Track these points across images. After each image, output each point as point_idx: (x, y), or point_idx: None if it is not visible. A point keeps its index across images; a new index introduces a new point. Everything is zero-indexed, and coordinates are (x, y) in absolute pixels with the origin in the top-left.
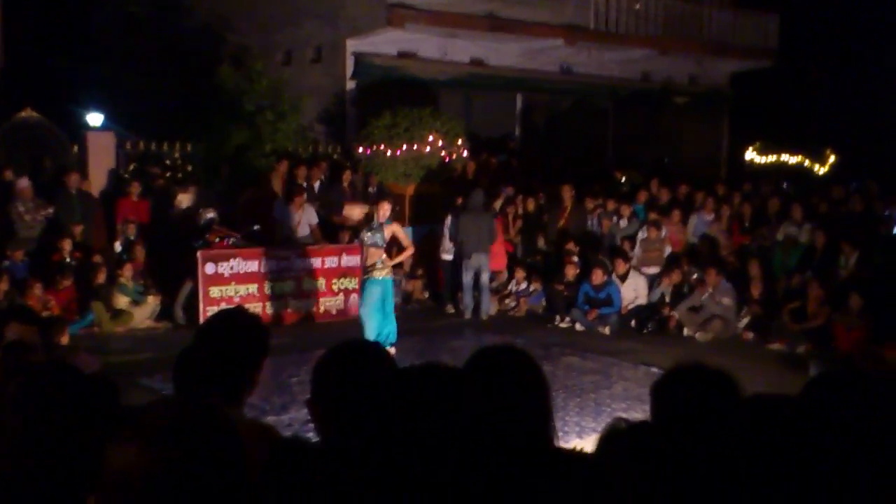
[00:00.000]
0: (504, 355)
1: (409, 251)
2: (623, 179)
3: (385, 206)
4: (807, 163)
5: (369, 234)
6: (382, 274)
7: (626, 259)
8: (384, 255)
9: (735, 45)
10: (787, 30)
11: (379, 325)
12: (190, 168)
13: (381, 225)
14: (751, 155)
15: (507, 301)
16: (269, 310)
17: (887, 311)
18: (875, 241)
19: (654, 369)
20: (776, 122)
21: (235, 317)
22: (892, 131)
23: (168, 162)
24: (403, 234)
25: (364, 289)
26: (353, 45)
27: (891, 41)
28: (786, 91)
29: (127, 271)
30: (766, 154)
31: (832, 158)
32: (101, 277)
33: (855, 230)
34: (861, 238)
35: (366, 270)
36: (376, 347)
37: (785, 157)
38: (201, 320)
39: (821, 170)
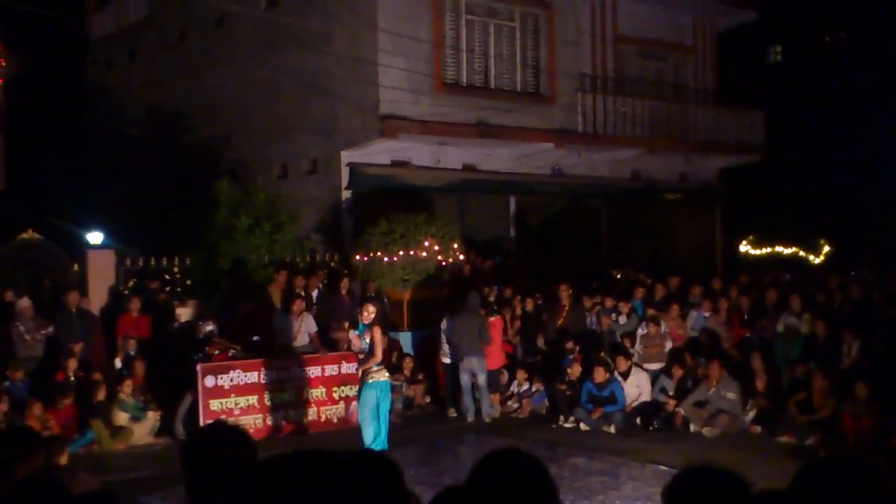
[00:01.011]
0: (510, 460)
1: (375, 358)
2: (619, 276)
3: (369, 308)
4: (801, 253)
5: (357, 339)
6: (376, 378)
7: (628, 356)
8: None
9: (721, 142)
10: (773, 124)
11: (376, 430)
12: (189, 282)
13: (365, 328)
14: (745, 248)
15: (509, 403)
16: (269, 421)
17: (893, 400)
18: (875, 328)
19: (663, 468)
20: (768, 215)
21: (218, 431)
22: (883, 218)
23: (167, 277)
24: (378, 338)
25: (360, 394)
26: (347, 156)
27: (874, 127)
28: (775, 184)
29: (127, 387)
30: (761, 246)
31: (826, 248)
32: (101, 395)
33: (855, 319)
34: (861, 326)
35: (361, 376)
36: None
37: (779, 249)
38: None
39: (816, 259)
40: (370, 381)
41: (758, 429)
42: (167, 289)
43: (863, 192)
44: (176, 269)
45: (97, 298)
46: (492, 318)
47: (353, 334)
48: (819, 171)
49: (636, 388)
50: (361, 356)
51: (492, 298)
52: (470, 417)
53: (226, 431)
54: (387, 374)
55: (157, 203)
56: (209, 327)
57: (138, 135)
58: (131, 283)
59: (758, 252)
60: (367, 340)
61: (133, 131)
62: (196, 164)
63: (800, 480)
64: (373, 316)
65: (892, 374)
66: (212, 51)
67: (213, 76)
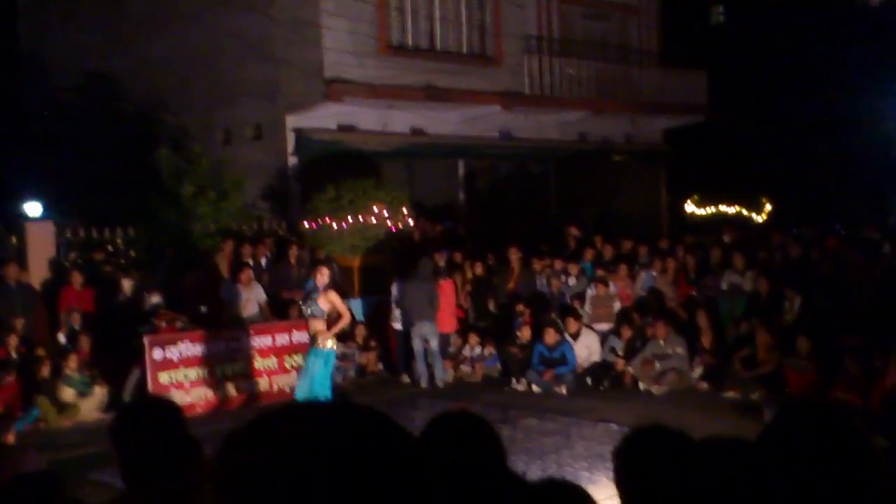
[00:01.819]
0: (459, 421)
1: (345, 319)
2: (576, 235)
3: (323, 272)
4: (745, 212)
5: (307, 303)
6: (323, 346)
7: (577, 317)
8: (323, 325)
9: (666, 103)
10: (715, 85)
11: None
12: (133, 253)
13: (318, 292)
14: (690, 208)
15: (462, 367)
16: (220, 392)
17: (833, 354)
18: (815, 284)
19: (614, 426)
20: (712, 175)
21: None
22: (823, 176)
23: (111, 248)
24: (339, 301)
25: (306, 360)
26: (292, 121)
27: (815, 88)
28: (719, 144)
29: (72, 362)
30: (705, 206)
31: (768, 207)
32: (45, 371)
33: (796, 276)
34: (802, 283)
35: (310, 342)
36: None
37: (723, 208)
38: None
39: (759, 218)
40: (318, 348)
41: (704, 385)
42: (111, 260)
43: (804, 150)
44: (119, 240)
45: (37, 272)
46: (442, 282)
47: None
48: (761, 130)
49: (586, 348)
50: (316, 321)
51: (442, 263)
52: (423, 383)
53: (153, 406)
54: (333, 343)
55: (98, 172)
56: (155, 299)
57: (75, 101)
58: (73, 256)
59: (702, 212)
60: (321, 305)
61: (69, 98)
62: (135, 131)
63: (775, 427)
64: (325, 280)
65: (831, 329)
66: (150, 14)
67: (152, 39)
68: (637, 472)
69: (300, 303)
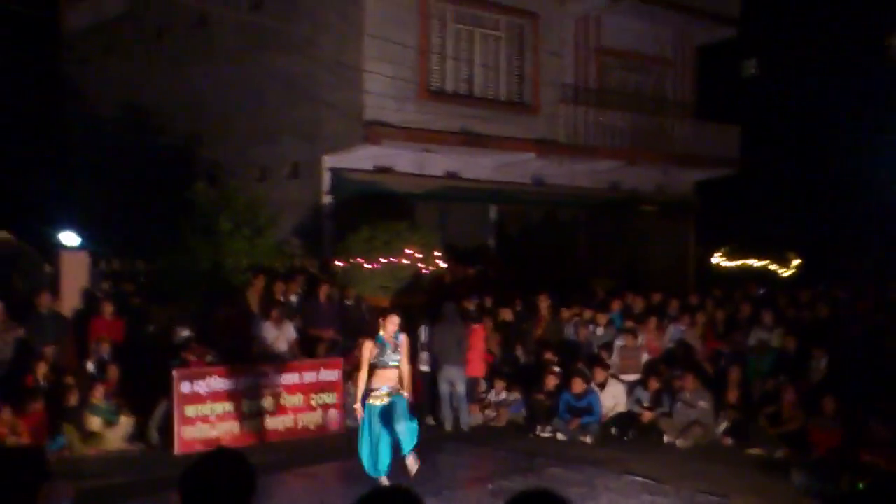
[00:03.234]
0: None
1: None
2: (598, 289)
3: (395, 319)
4: (772, 266)
5: (388, 353)
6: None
7: (606, 367)
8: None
9: (698, 155)
10: (748, 139)
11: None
12: (164, 286)
13: (395, 341)
14: (717, 260)
15: (487, 411)
16: (246, 428)
17: (860, 416)
18: (843, 345)
19: (639, 478)
20: (741, 228)
21: (219, 461)
22: (850, 233)
23: (143, 279)
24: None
25: (399, 416)
26: (329, 160)
27: (846, 144)
28: (749, 197)
29: (99, 392)
30: (733, 259)
31: (796, 261)
32: (73, 399)
33: (824, 335)
34: (830, 342)
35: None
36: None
37: (751, 262)
38: (176, 441)
39: (785, 273)
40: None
41: (729, 440)
42: (142, 292)
43: (833, 207)
44: (151, 273)
45: (69, 300)
46: (475, 326)
47: (370, 344)
48: (791, 185)
49: (612, 398)
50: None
51: (473, 307)
52: (448, 426)
53: (226, 459)
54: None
55: (133, 203)
56: (185, 332)
57: (114, 133)
58: (105, 286)
59: (730, 264)
60: (396, 354)
61: (109, 129)
62: (173, 164)
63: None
64: (398, 328)
65: (858, 390)
66: (192, 49)
67: (193, 75)
68: None
69: (373, 353)
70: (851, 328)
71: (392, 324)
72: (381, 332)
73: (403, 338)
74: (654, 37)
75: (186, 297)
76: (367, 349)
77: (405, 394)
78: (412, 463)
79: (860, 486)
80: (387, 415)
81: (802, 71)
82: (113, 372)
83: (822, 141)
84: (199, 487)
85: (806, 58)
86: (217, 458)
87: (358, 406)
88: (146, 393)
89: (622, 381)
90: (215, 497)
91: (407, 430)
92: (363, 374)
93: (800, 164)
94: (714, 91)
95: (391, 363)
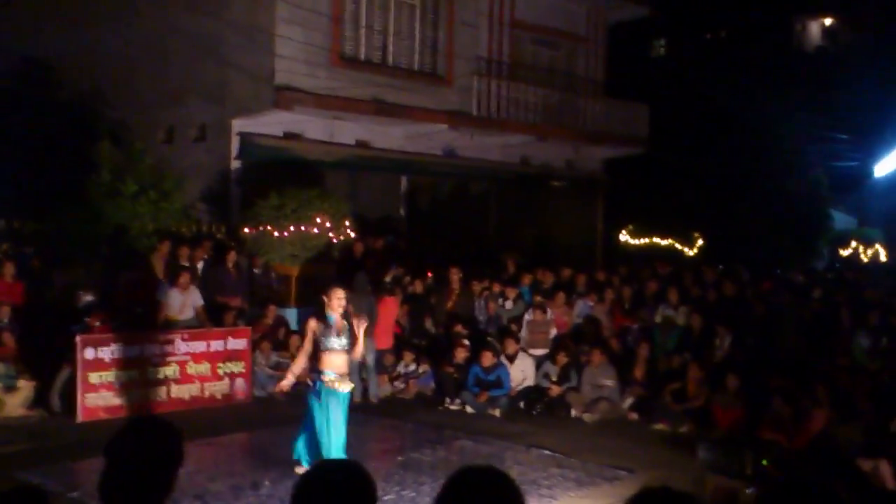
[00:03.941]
0: (484, 478)
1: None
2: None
3: (339, 294)
4: (677, 245)
5: (335, 337)
6: (341, 387)
7: (517, 340)
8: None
9: (608, 133)
10: (656, 119)
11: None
12: (66, 247)
13: (344, 321)
14: (624, 237)
15: (395, 383)
16: (151, 396)
17: (761, 393)
18: (747, 324)
19: (546, 451)
20: (647, 206)
21: (145, 429)
22: (753, 216)
23: (43, 242)
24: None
25: (327, 408)
26: (238, 125)
27: (749, 128)
28: (655, 177)
29: None
30: (639, 237)
31: (699, 241)
32: None
33: (728, 313)
34: (734, 321)
35: (325, 378)
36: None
37: (656, 240)
38: (79, 407)
39: (690, 252)
40: (341, 390)
41: (635, 416)
42: (43, 254)
43: (736, 189)
44: (52, 234)
45: None
46: (387, 298)
47: (314, 324)
48: (696, 165)
49: (521, 372)
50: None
51: (388, 278)
52: (357, 397)
53: (153, 426)
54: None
55: (32, 162)
56: (89, 297)
57: (6, 87)
58: (4, 247)
59: (636, 242)
60: (341, 335)
61: (2, 83)
62: (73, 122)
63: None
64: (345, 302)
65: (760, 368)
66: (94, 3)
67: (95, 31)
68: None
69: (322, 337)
70: (755, 307)
71: (337, 299)
72: (328, 310)
73: (356, 322)
74: (568, 12)
75: (89, 260)
76: (311, 328)
77: (349, 388)
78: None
79: (763, 462)
80: (331, 408)
81: (710, 51)
82: (8, 338)
83: (724, 122)
84: (126, 455)
85: (714, 39)
86: (143, 425)
87: (287, 381)
88: (47, 358)
89: (531, 356)
90: (142, 465)
91: (335, 443)
92: (303, 353)
93: (704, 144)
94: (624, 69)
95: (337, 347)
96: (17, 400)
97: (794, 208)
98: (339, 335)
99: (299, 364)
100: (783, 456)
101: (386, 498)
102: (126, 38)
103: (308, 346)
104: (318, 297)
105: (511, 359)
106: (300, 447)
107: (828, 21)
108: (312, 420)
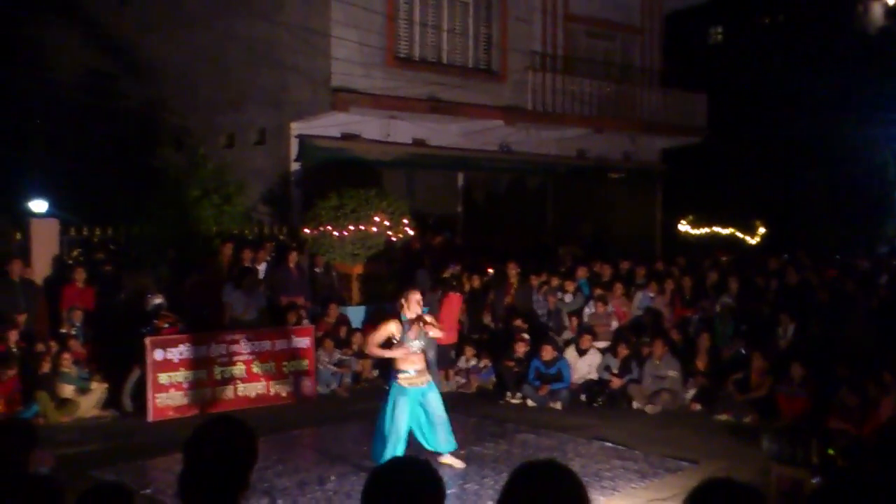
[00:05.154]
0: (547, 472)
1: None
2: (564, 254)
3: (417, 297)
4: (738, 234)
5: (413, 339)
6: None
7: (594, 336)
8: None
9: (665, 123)
10: (715, 107)
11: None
12: (134, 253)
13: (420, 322)
14: (684, 227)
15: (457, 378)
16: (219, 395)
17: (827, 382)
18: (811, 312)
19: (609, 444)
20: (707, 196)
21: (222, 428)
22: (817, 201)
23: (113, 247)
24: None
25: (428, 406)
26: (296, 127)
27: (812, 113)
28: (715, 165)
29: (65, 360)
30: (699, 226)
31: (761, 230)
32: (46, 366)
33: (792, 302)
34: (798, 309)
35: (402, 377)
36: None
37: (717, 229)
38: (150, 408)
39: (751, 240)
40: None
41: (698, 406)
42: (113, 259)
43: (798, 175)
44: (121, 240)
45: (40, 269)
46: (451, 294)
47: (394, 327)
48: (757, 153)
49: (587, 366)
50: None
51: (446, 275)
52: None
53: (229, 425)
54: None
55: (100, 171)
56: (157, 300)
57: (75, 99)
58: (75, 253)
59: (696, 232)
60: (418, 342)
61: (70, 95)
62: (138, 130)
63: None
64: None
65: (825, 357)
66: (155, 14)
67: (156, 40)
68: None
69: (400, 335)
70: (819, 295)
71: (416, 302)
72: (405, 312)
73: (430, 320)
74: (622, 4)
75: (157, 264)
76: (389, 331)
77: (429, 379)
78: (452, 461)
79: (830, 451)
80: (418, 405)
81: (768, 38)
82: (76, 343)
83: (786, 108)
84: (203, 453)
85: (772, 24)
86: (220, 424)
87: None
88: (118, 360)
89: (596, 349)
90: (219, 463)
91: (441, 430)
92: (398, 346)
93: (765, 131)
94: (681, 58)
95: (415, 349)
96: (91, 401)
97: (859, 193)
98: (416, 338)
99: (402, 350)
100: (851, 445)
101: (449, 492)
102: (187, 48)
103: (374, 346)
104: (396, 300)
105: (582, 353)
106: (377, 448)
107: (891, 1)
108: (384, 419)
